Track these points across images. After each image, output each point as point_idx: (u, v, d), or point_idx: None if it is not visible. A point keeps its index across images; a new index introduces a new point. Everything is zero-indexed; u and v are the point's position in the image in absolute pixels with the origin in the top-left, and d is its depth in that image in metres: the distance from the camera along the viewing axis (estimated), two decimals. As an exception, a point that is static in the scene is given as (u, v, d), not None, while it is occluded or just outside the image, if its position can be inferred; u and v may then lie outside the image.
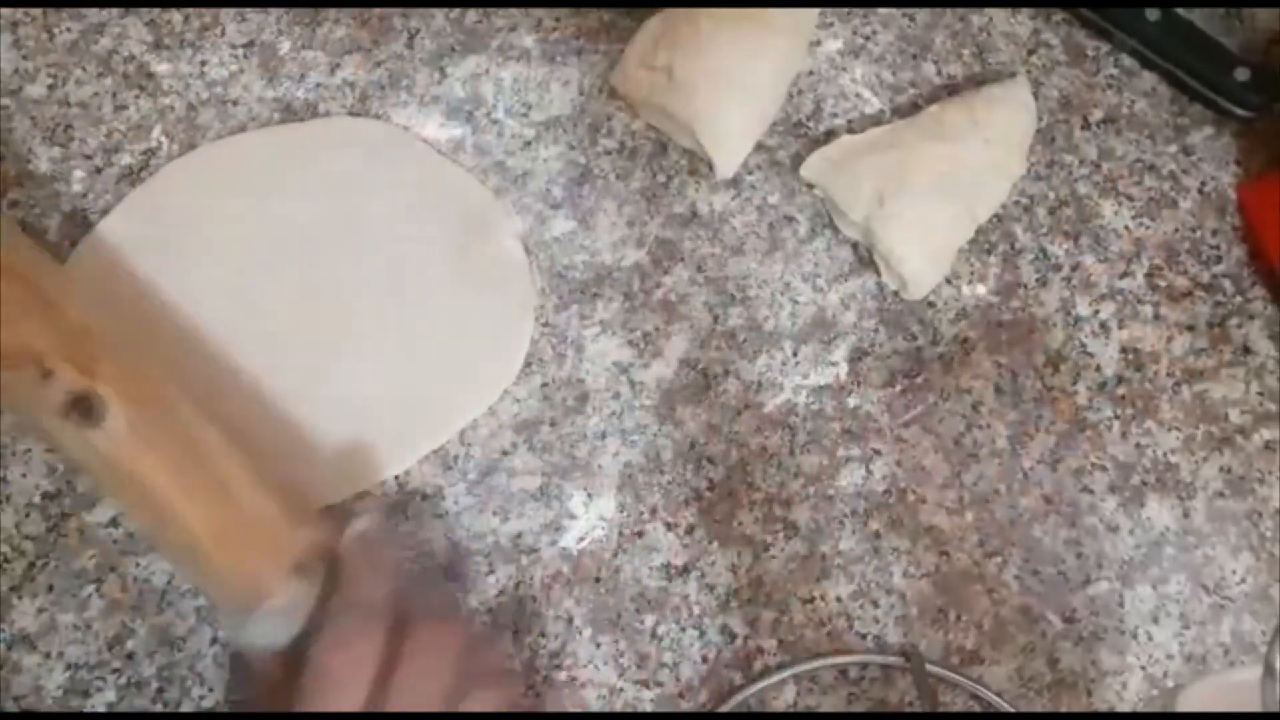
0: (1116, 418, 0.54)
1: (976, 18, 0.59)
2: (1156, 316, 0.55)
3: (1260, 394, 0.54)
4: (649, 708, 0.50)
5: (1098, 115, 0.58)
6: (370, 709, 0.40)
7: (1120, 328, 0.55)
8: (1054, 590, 0.51)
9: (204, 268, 0.53)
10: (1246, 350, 0.55)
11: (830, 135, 0.57)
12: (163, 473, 0.42)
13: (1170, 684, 0.50)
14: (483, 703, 0.42)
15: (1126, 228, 0.57)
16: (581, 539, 0.51)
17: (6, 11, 0.57)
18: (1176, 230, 0.57)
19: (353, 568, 0.43)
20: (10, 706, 0.48)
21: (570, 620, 0.50)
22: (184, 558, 0.44)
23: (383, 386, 0.52)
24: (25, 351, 0.42)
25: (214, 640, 0.49)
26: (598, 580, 0.51)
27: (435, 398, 0.52)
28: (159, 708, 0.49)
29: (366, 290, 0.54)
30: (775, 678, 0.50)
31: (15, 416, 0.45)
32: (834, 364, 0.54)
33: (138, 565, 0.50)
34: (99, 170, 0.55)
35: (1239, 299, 0.56)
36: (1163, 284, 0.56)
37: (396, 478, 0.52)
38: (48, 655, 0.49)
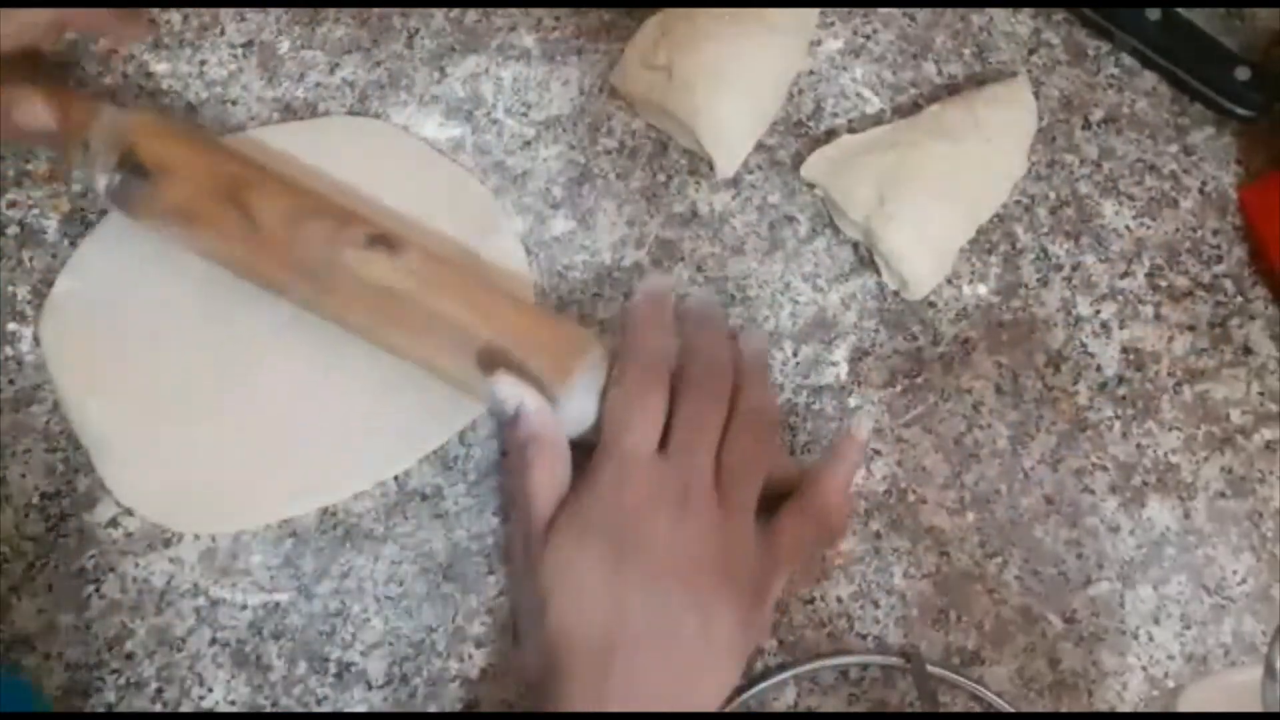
0: (1117, 418, 0.54)
1: (977, 17, 0.59)
2: (1157, 316, 0.55)
3: (1261, 394, 0.54)
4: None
5: (1098, 115, 0.58)
6: (656, 439, 0.47)
7: (1121, 328, 0.55)
8: (1055, 591, 0.51)
9: (202, 266, 0.53)
10: (1247, 350, 0.55)
11: (831, 135, 0.57)
12: (460, 294, 0.49)
13: (1171, 684, 0.50)
14: (745, 433, 0.48)
15: (1127, 227, 0.57)
16: (581, 539, 0.51)
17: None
18: (1177, 230, 0.57)
19: (639, 320, 0.50)
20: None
21: (570, 621, 0.50)
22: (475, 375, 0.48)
23: (381, 386, 0.52)
24: (328, 205, 0.51)
25: (213, 640, 0.49)
26: (598, 580, 0.51)
27: (434, 398, 0.52)
28: (158, 708, 0.49)
29: None
30: (776, 679, 0.50)
31: (309, 261, 0.49)
32: (834, 364, 0.54)
33: (137, 565, 0.50)
34: (99, 170, 0.55)
35: (1240, 299, 0.56)
36: (1164, 284, 0.56)
37: (396, 478, 0.52)
38: (47, 655, 0.49)
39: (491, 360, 0.48)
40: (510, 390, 0.47)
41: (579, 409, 0.48)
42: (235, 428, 0.52)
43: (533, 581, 0.46)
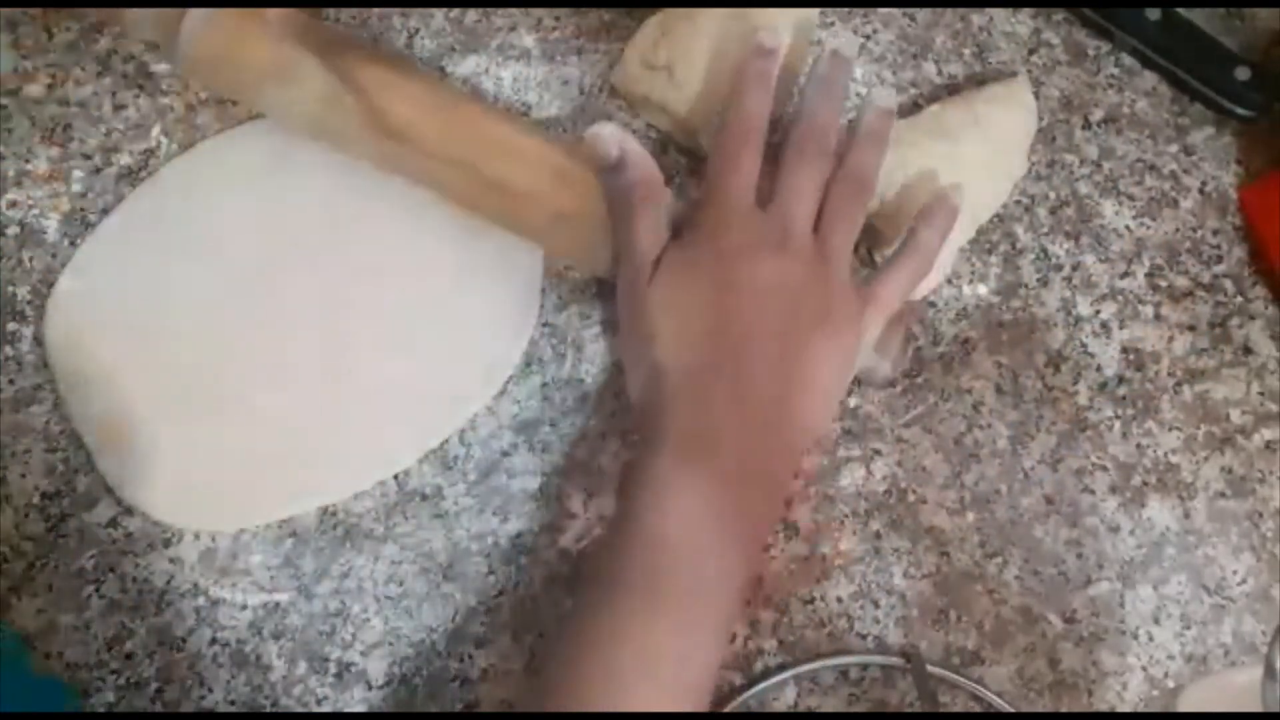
0: (1117, 418, 0.54)
1: (977, 17, 0.59)
2: (1157, 316, 0.55)
3: (1261, 394, 0.54)
4: (649, 708, 0.50)
5: (1098, 115, 0.58)
6: (755, 191, 0.50)
7: (1121, 328, 0.55)
8: (1054, 590, 0.51)
9: (205, 265, 0.53)
10: (1247, 350, 0.55)
11: (831, 135, 0.57)
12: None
13: (1171, 684, 0.50)
14: (842, 195, 0.51)
15: (1127, 227, 0.57)
16: (581, 539, 0.51)
17: (6, 11, 0.57)
18: (1177, 230, 0.57)
19: (744, 78, 0.52)
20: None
21: (570, 621, 0.50)
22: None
23: (382, 385, 0.52)
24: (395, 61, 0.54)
25: (213, 640, 0.49)
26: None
27: (438, 392, 0.52)
28: (158, 708, 0.49)
29: (369, 286, 0.53)
30: (776, 679, 0.50)
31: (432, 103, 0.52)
32: (834, 364, 0.54)
33: (137, 565, 0.50)
34: (98, 170, 0.55)
35: (1240, 299, 0.56)
36: (1163, 284, 0.56)
37: (396, 477, 0.52)
38: (47, 655, 0.49)
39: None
40: (612, 134, 0.50)
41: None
42: (237, 427, 0.52)
43: (640, 320, 0.49)
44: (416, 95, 0.52)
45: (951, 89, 0.58)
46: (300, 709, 0.49)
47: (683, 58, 0.54)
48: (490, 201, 0.52)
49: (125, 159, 0.55)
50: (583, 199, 0.51)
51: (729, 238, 0.49)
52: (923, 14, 0.59)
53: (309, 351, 0.52)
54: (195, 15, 0.51)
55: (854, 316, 0.49)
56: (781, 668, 0.50)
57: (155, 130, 0.55)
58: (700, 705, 0.43)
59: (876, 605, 0.51)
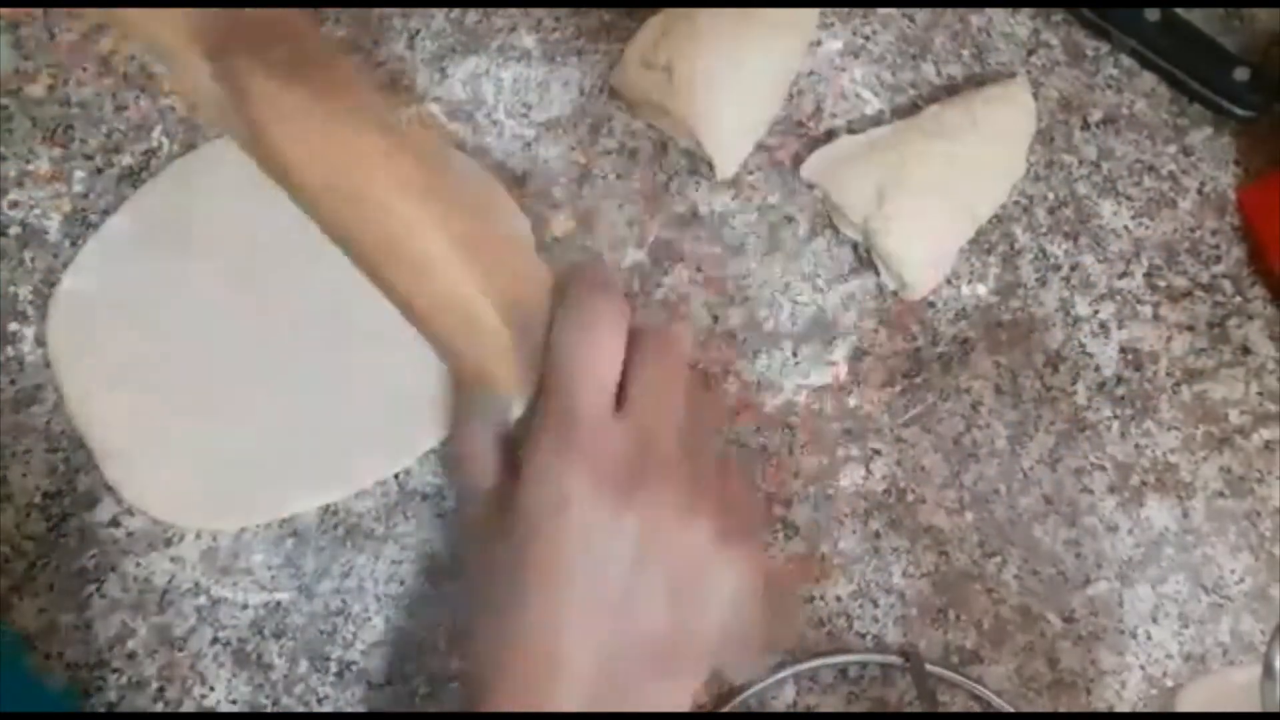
0: (1116, 418, 0.54)
1: (976, 18, 0.59)
2: (1156, 316, 0.55)
3: (1260, 394, 0.55)
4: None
5: (1097, 115, 0.58)
6: (611, 399, 0.39)
7: (1120, 328, 0.55)
8: (1053, 590, 0.51)
9: (207, 262, 0.53)
10: (1246, 350, 0.55)
11: (830, 135, 0.57)
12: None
13: (1169, 684, 0.51)
14: (709, 405, 0.43)
15: (1126, 228, 0.57)
16: (581, 539, 0.51)
17: (7, 11, 0.57)
18: (1176, 230, 0.57)
19: (596, 266, 0.44)
20: (11, 706, 0.48)
21: (570, 620, 0.50)
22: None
23: (387, 381, 0.52)
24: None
25: (214, 640, 0.49)
26: (598, 580, 0.51)
27: (439, 391, 0.52)
28: (160, 707, 0.49)
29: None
30: (775, 677, 0.50)
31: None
32: (834, 364, 0.54)
33: (138, 565, 0.50)
34: (100, 170, 0.55)
35: (1238, 299, 0.56)
36: (1162, 284, 0.56)
37: (396, 476, 0.52)
38: (48, 655, 0.49)
39: None
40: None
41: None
42: (239, 425, 0.52)
43: (473, 578, 0.40)
44: (312, 128, 0.39)
45: (950, 90, 0.58)
46: (301, 708, 0.49)
47: (683, 58, 0.54)
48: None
49: (126, 160, 0.55)
50: (483, 350, 0.41)
51: (571, 473, 0.37)
52: (922, 15, 0.59)
53: (311, 350, 0.52)
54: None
55: (739, 552, 0.40)
56: (780, 666, 0.50)
57: (156, 131, 0.55)
58: None
59: (875, 604, 0.51)
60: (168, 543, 0.50)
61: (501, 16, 0.58)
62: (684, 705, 0.39)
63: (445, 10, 0.58)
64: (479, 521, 0.39)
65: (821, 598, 0.51)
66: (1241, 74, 0.57)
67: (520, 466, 0.38)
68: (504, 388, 0.40)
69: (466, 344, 0.41)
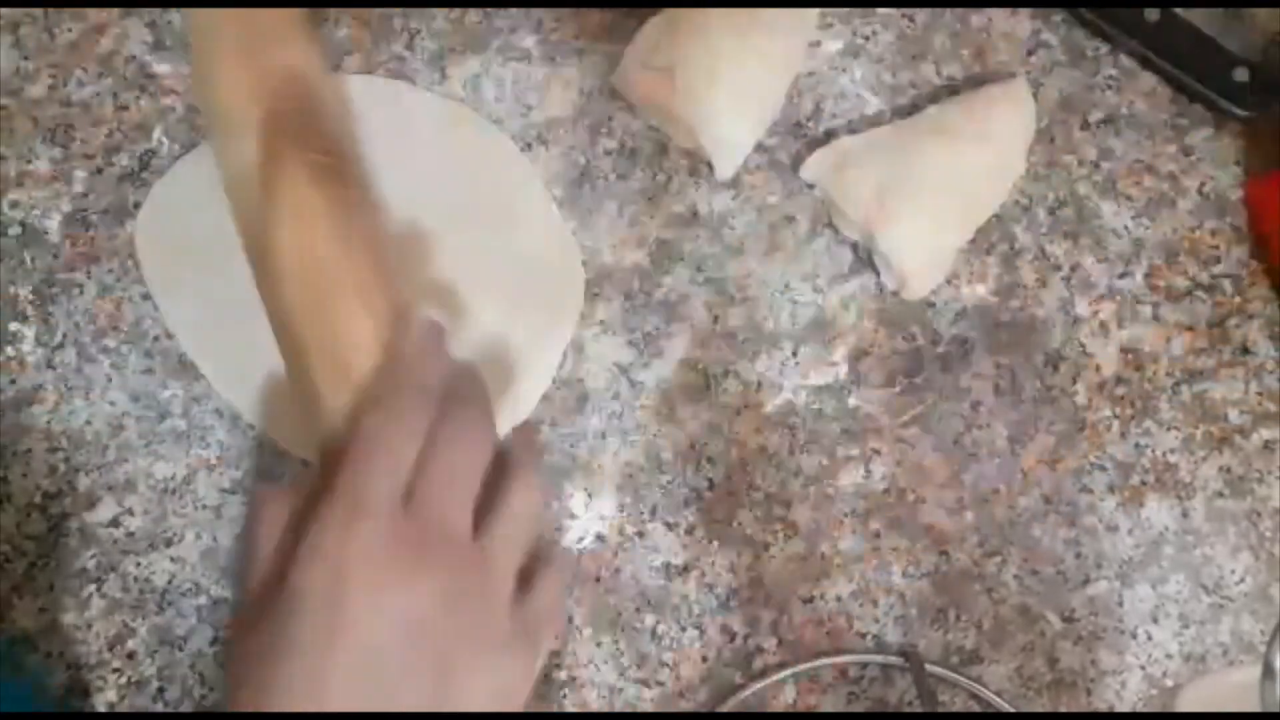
0: (1116, 417, 0.54)
1: (976, 18, 0.59)
2: (1156, 317, 0.55)
3: (1259, 394, 0.55)
4: (649, 707, 0.50)
5: (1097, 115, 0.58)
6: (405, 484, 0.37)
7: (1120, 328, 0.55)
8: (1053, 590, 0.52)
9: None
10: (1245, 350, 0.55)
11: (830, 136, 0.57)
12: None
13: (1169, 684, 0.51)
14: (517, 502, 0.39)
15: (1126, 228, 0.57)
16: (581, 539, 0.51)
17: (7, 11, 0.57)
18: (1176, 230, 0.57)
19: (417, 350, 0.41)
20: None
21: (570, 619, 0.51)
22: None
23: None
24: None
25: (214, 640, 0.49)
26: (598, 580, 0.51)
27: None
28: (159, 707, 0.49)
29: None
30: (775, 677, 0.50)
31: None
32: (834, 364, 0.54)
33: (138, 565, 0.50)
34: (100, 171, 0.55)
35: (1238, 299, 0.56)
36: (1162, 284, 0.56)
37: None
38: (49, 655, 0.49)
39: None
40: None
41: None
42: None
43: (242, 651, 0.37)
44: (318, 237, 0.40)
45: (950, 90, 0.58)
46: (301, 708, 0.49)
47: (683, 59, 0.54)
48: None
49: (126, 160, 0.55)
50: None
51: (351, 551, 0.36)
52: (922, 15, 0.59)
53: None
54: None
55: (528, 652, 0.39)
56: (781, 666, 0.50)
57: (157, 131, 0.55)
58: None
59: (875, 604, 0.51)
60: (168, 543, 0.51)
61: (502, 17, 0.58)
62: None
63: (445, 10, 0.58)
64: (257, 585, 0.38)
65: (821, 597, 0.51)
66: (1241, 74, 0.57)
67: (296, 544, 0.37)
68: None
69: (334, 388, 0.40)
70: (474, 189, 0.55)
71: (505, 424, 0.52)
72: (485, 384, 0.42)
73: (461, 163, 0.56)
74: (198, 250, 0.54)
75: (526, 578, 0.40)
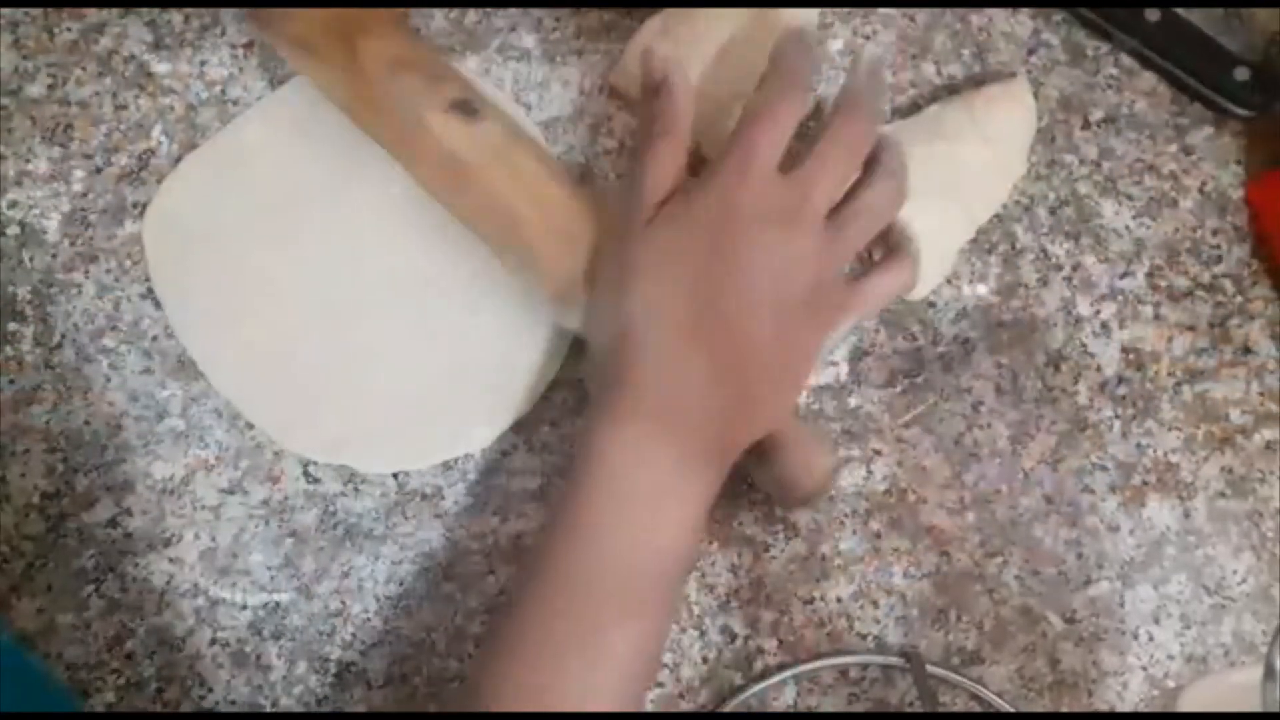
0: (1117, 417, 0.54)
1: (976, 18, 0.59)
2: (1157, 316, 0.55)
3: (1261, 394, 0.54)
4: (649, 707, 0.50)
5: (1098, 115, 0.58)
6: (780, 157, 0.47)
7: (1121, 328, 0.55)
8: (1054, 590, 0.51)
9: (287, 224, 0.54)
10: (1247, 350, 0.55)
11: (830, 135, 0.57)
12: (523, 171, 0.50)
13: (1171, 684, 0.50)
14: (876, 188, 0.49)
15: (1127, 227, 0.57)
16: (581, 539, 0.51)
17: (6, 11, 0.57)
18: (1177, 230, 0.57)
19: (786, 45, 0.50)
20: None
21: (570, 620, 0.50)
22: (521, 255, 0.50)
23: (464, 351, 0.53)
24: (428, 62, 0.52)
25: (213, 640, 0.49)
26: (598, 580, 0.51)
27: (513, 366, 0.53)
28: (158, 708, 0.49)
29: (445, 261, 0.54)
30: (775, 678, 0.50)
31: (399, 114, 0.50)
32: (834, 364, 0.54)
33: (136, 565, 0.50)
34: (99, 170, 0.55)
35: (1240, 299, 0.56)
36: (1163, 284, 0.56)
37: (395, 476, 0.52)
38: (47, 655, 0.49)
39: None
40: (664, 60, 0.50)
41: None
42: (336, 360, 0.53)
43: (625, 265, 0.47)
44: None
45: (951, 89, 0.58)
46: (300, 709, 0.49)
47: (682, 59, 0.54)
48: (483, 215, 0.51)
49: (125, 159, 0.55)
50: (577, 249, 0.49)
51: (743, 195, 0.46)
52: (922, 15, 0.59)
53: (403, 300, 0.54)
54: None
55: (837, 311, 0.49)
56: (781, 667, 0.50)
57: (156, 130, 0.55)
58: (650, 678, 0.47)
59: (876, 605, 0.51)
60: (166, 543, 0.50)
61: (501, 16, 0.58)
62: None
63: (445, 10, 0.58)
64: (639, 208, 0.48)
65: (822, 598, 0.51)
66: (1242, 74, 0.57)
67: (696, 187, 0.47)
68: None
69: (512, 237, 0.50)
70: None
71: (506, 421, 0.52)
72: (875, 95, 0.51)
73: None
74: (205, 249, 0.54)
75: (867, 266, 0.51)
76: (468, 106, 0.50)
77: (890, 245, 0.52)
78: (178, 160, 0.55)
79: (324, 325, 0.53)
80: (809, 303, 0.47)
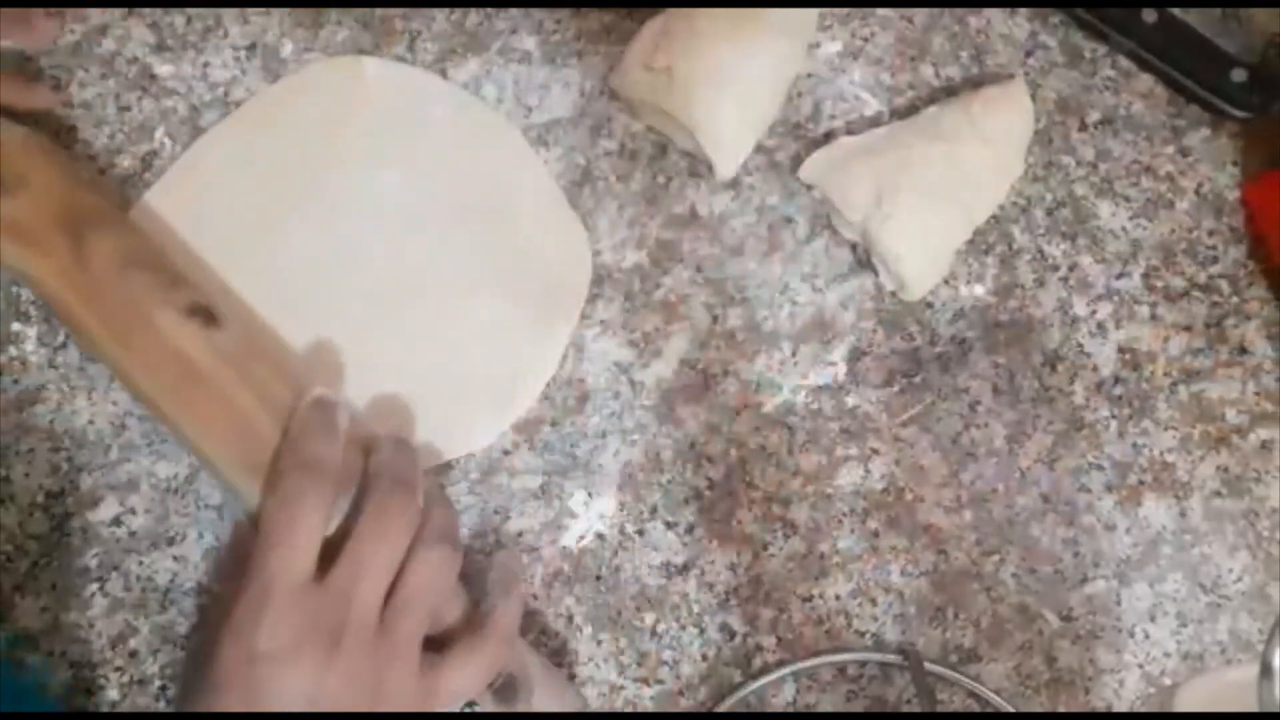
0: (1114, 417, 0.54)
1: (974, 20, 0.59)
2: (1153, 317, 0.56)
3: (1257, 394, 0.55)
4: (649, 706, 0.50)
5: (1095, 116, 0.58)
6: (313, 560, 0.41)
7: (1117, 328, 0.55)
8: (1051, 589, 0.52)
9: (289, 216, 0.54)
10: (1243, 350, 0.55)
11: (829, 137, 0.57)
12: (251, 386, 0.46)
13: (1167, 682, 0.51)
14: (425, 562, 0.43)
15: (1124, 228, 0.57)
16: (582, 538, 0.52)
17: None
18: (1173, 231, 0.57)
19: (305, 426, 0.44)
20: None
21: (571, 618, 0.51)
22: (231, 464, 0.45)
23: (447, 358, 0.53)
24: (165, 263, 0.48)
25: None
26: (598, 579, 0.51)
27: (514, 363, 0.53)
28: (161, 706, 0.49)
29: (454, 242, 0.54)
30: (774, 675, 0.50)
31: (122, 311, 0.47)
32: (833, 364, 0.54)
33: (140, 564, 0.50)
34: (102, 172, 0.55)
35: (1236, 299, 0.56)
36: (1160, 284, 0.56)
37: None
38: (51, 654, 0.49)
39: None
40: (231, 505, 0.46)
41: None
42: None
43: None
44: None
45: (949, 91, 0.58)
46: (302, 706, 0.49)
47: (683, 61, 0.54)
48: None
49: (129, 161, 0.55)
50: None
51: (264, 632, 0.40)
52: (920, 16, 0.59)
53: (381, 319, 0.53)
54: None
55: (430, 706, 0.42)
56: (780, 664, 0.50)
57: (159, 132, 0.56)
58: None
59: (874, 603, 0.51)
60: (170, 541, 0.51)
61: (502, 18, 0.58)
62: None
63: (446, 12, 0.58)
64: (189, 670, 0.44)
65: (820, 596, 0.51)
66: (1239, 75, 0.57)
67: (219, 624, 0.41)
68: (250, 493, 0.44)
69: (237, 452, 0.45)
70: (481, 180, 0.56)
71: (506, 421, 0.53)
72: (410, 452, 0.46)
73: (470, 152, 0.56)
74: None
75: (441, 641, 0.44)
76: (206, 313, 0.47)
77: (483, 608, 0.46)
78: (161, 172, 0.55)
79: (320, 332, 0.53)
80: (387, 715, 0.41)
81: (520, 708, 0.46)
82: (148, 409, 0.47)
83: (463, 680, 0.43)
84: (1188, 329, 0.56)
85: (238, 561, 0.43)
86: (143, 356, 0.46)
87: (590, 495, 0.52)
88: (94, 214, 0.48)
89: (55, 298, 0.47)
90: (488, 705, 0.46)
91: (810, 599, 0.51)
